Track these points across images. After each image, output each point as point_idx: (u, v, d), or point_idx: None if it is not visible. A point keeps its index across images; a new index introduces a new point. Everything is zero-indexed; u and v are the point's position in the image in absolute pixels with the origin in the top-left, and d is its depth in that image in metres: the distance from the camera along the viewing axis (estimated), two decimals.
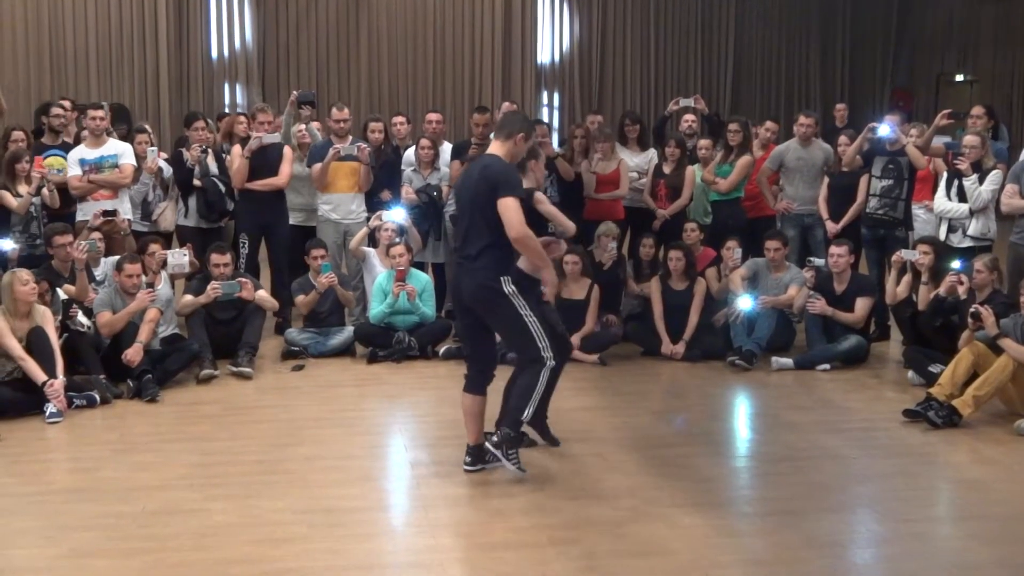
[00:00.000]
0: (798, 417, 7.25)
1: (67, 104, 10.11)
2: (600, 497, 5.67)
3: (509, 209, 5.62)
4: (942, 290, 7.97)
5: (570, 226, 6.67)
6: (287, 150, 9.41)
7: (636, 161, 9.95)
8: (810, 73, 22.27)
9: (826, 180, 9.66)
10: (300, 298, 8.96)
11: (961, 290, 7.77)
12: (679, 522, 5.34)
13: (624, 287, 9.34)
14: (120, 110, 12.56)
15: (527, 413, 5.86)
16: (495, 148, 5.95)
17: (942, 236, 8.65)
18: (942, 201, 8.69)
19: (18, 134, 9.36)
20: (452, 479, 5.94)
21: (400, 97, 19.58)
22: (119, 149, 9.20)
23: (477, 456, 5.99)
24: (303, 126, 9.63)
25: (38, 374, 7.05)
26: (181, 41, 18.60)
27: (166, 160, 9.74)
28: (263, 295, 8.72)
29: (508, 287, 5.73)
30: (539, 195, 6.31)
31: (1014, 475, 6.15)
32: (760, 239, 9.25)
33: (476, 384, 5.99)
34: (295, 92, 10.33)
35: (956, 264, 8.05)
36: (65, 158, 9.30)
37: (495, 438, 5.91)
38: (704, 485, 5.91)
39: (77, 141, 9.70)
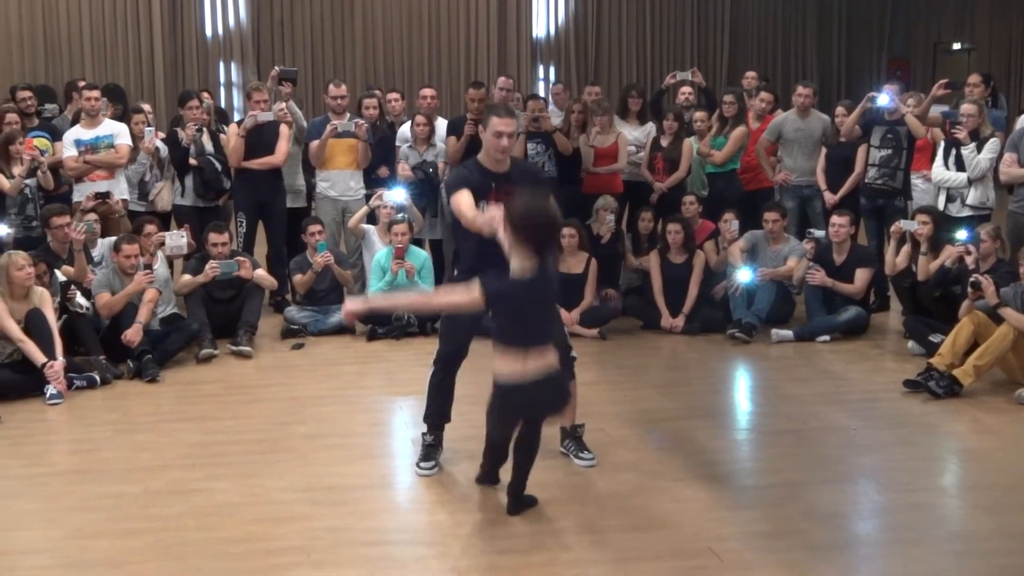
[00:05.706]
0: (798, 389, 7.26)
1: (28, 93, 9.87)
2: (602, 471, 5.67)
3: None
4: (948, 260, 7.95)
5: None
6: (283, 128, 9.30)
7: (635, 135, 9.91)
8: (807, 43, 22.21)
9: (824, 151, 9.64)
10: (297, 277, 8.94)
11: (969, 260, 7.72)
12: (681, 495, 5.34)
13: (623, 261, 9.33)
14: (115, 90, 12.48)
15: (424, 411, 5.81)
16: None
17: (940, 206, 8.62)
18: (940, 170, 8.65)
19: (12, 116, 9.30)
20: (453, 455, 5.92)
21: (395, 73, 19.53)
22: (115, 129, 9.16)
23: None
24: (283, 104, 9.50)
25: (37, 355, 7.03)
26: (175, 20, 18.57)
27: (162, 140, 9.69)
28: (261, 273, 8.70)
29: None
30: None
31: (1015, 444, 6.15)
32: (758, 211, 9.22)
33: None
34: (276, 68, 10.25)
35: (963, 234, 8.01)
36: (48, 138, 9.26)
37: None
38: (705, 458, 5.91)
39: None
